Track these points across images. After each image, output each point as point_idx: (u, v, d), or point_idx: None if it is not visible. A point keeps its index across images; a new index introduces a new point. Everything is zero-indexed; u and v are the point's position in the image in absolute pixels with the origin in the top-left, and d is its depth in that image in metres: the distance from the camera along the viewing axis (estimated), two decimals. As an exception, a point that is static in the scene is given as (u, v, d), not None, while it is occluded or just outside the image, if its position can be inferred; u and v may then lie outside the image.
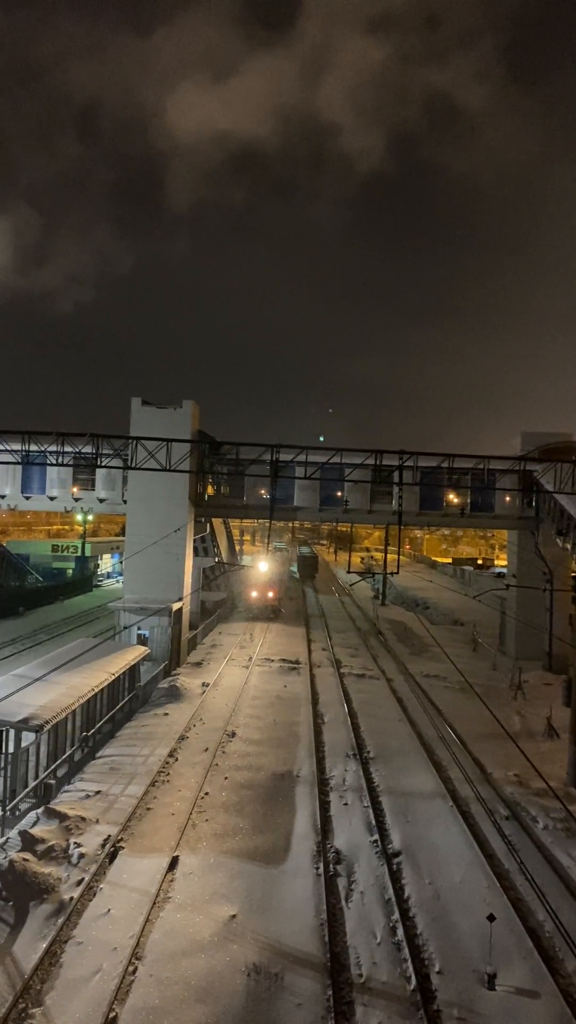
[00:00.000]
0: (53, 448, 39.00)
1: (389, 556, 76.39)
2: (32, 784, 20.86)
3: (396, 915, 15.51)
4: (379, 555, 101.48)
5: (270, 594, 58.64)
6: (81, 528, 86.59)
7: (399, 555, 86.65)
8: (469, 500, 44.78)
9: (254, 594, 58.79)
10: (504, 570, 68.52)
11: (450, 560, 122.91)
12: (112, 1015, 12.18)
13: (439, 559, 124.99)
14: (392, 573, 59.32)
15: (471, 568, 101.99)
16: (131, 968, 13.39)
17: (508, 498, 44.74)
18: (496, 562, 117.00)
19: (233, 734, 27.41)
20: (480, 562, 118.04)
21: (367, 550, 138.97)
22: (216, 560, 61.86)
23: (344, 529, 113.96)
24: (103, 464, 40.39)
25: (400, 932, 14.92)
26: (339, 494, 44.12)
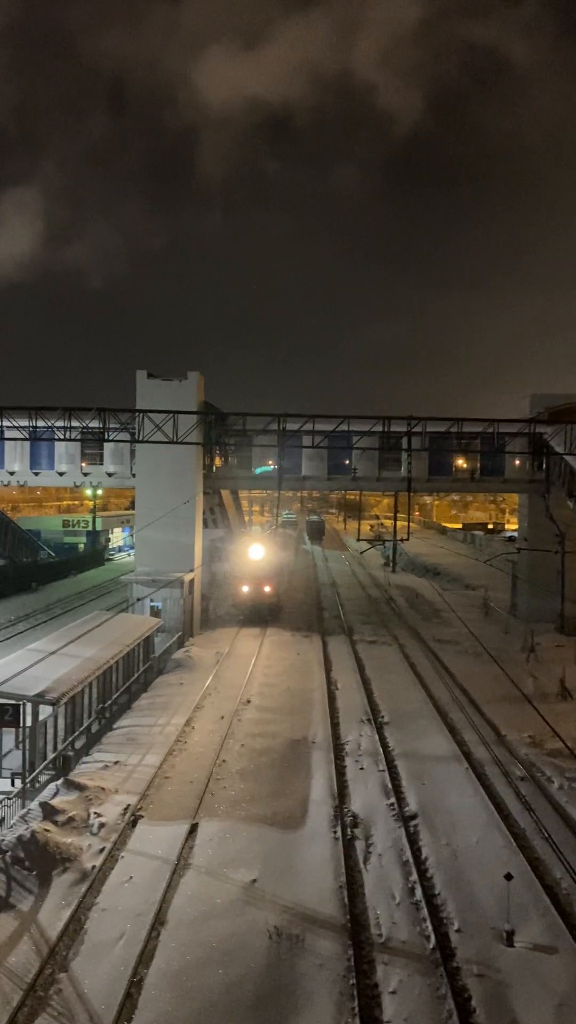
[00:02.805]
0: (60, 423, 38.97)
1: (399, 523, 76.27)
2: (51, 756, 21.12)
3: (414, 876, 15.70)
4: (389, 522, 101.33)
5: (266, 588, 44.68)
6: (91, 503, 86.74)
7: (409, 522, 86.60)
8: (479, 465, 44.58)
9: (244, 589, 44.89)
10: (515, 534, 68.44)
11: (460, 526, 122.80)
12: (137, 978, 12.42)
13: (449, 525, 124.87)
14: (402, 540, 59.20)
15: (481, 533, 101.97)
16: (154, 933, 13.61)
17: (518, 462, 44.50)
18: (507, 526, 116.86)
19: (248, 702, 27.63)
20: (490, 527, 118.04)
21: (376, 517, 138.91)
22: (225, 531, 61.77)
23: (353, 497, 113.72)
24: (110, 438, 40.38)
25: (418, 892, 15.11)
26: (347, 462, 43.96)
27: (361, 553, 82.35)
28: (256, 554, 46.33)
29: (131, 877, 15.53)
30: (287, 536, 72.51)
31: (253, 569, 45.42)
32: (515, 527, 76.78)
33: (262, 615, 43.83)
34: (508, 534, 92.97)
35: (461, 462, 44.83)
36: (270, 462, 44.19)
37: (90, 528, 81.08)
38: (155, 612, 38.02)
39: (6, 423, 39.19)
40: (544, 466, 43.39)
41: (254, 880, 15.38)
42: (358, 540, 69.63)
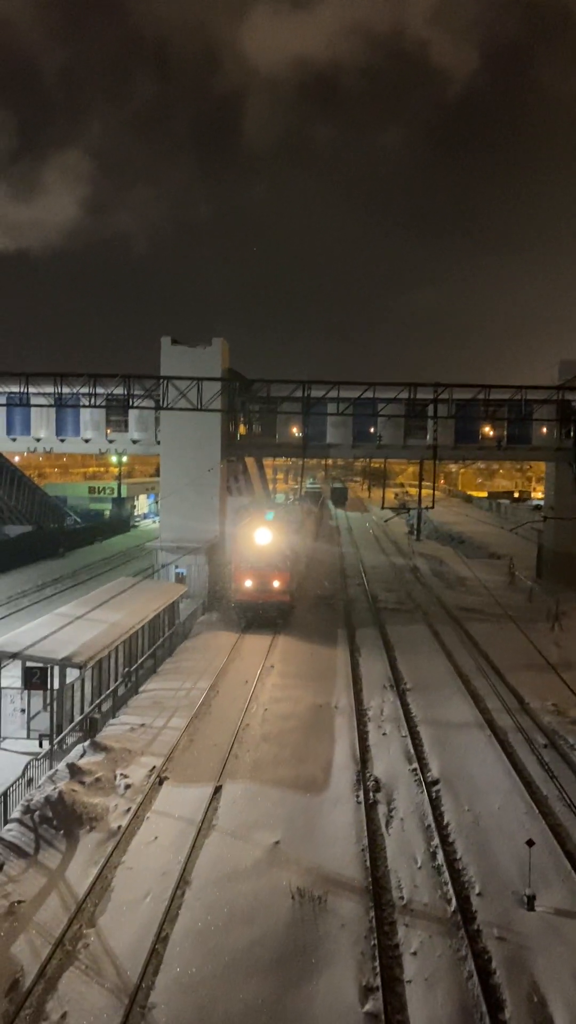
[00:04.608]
0: (85, 390, 39.05)
1: (424, 491, 75.77)
2: (78, 718, 21.45)
3: (436, 841, 15.82)
4: (413, 490, 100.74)
5: (275, 584, 33.76)
6: (116, 470, 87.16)
7: (434, 490, 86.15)
8: (506, 432, 44.11)
9: (247, 583, 33.87)
10: (541, 502, 67.81)
11: (485, 494, 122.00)
12: (163, 935, 12.69)
13: (474, 493, 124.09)
14: (427, 508, 58.84)
15: (507, 501, 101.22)
16: (180, 892, 13.87)
17: (545, 429, 43.95)
18: (533, 495, 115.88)
19: (272, 667, 27.82)
20: (516, 495, 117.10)
21: (401, 485, 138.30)
22: (250, 499, 61.68)
23: (377, 465, 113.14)
24: (135, 405, 40.41)
25: (440, 857, 15.23)
26: (372, 430, 43.66)
27: (385, 521, 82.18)
28: (263, 539, 34.30)
29: (156, 837, 15.81)
30: (308, 512, 58.67)
31: (259, 556, 34.10)
32: (541, 495, 76.08)
33: (269, 618, 33.81)
34: (534, 503, 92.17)
35: (488, 430, 44.38)
36: (295, 429, 43.98)
37: (115, 495, 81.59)
38: (180, 578, 38.27)
39: (32, 389, 39.32)
40: (572, 434, 42.81)
41: (277, 842, 15.58)
42: (382, 508, 69.28)
